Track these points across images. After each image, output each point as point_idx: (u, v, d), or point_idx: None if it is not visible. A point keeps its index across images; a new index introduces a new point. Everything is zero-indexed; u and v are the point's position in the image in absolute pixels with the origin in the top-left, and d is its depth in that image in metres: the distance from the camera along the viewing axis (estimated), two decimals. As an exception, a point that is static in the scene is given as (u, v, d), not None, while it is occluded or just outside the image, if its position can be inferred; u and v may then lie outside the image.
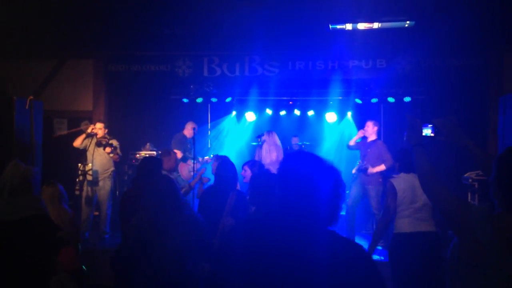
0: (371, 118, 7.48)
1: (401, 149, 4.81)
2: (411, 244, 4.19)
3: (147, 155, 8.04)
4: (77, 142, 7.32)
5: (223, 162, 4.76)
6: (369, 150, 7.14)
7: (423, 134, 2.39)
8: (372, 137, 7.29)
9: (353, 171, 7.38)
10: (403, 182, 4.33)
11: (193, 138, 7.36)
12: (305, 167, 1.71)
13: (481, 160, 2.50)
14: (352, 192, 7.37)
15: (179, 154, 7.70)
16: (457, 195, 2.17)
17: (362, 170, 7.13)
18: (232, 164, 4.77)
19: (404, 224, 4.24)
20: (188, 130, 8.22)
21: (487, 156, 2.49)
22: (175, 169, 6.27)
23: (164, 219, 3.22)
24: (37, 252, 2.99)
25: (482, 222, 2.05)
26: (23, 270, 2.93)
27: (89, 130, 7.37)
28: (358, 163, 7.29)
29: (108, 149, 7.37)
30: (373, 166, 7.01)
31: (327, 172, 1.72)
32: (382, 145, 7.21)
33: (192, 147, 7.55)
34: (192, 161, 7.48)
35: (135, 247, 3.24)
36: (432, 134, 2.41)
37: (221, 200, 4.28)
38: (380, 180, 7.02)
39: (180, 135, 8.28)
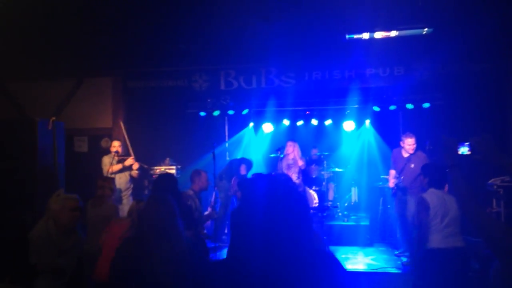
0: (407, 132, 7.23)
1: (429, 164, 4.79)
2: (442, 260, 4.18)
3: (162, 173, 8.09)
4: (115, 169, 7.37)
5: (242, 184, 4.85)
6: (412, 165, 6.84)
7: (460, 152, 2.36)
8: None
9: (391, 184, 7.20)
10: (434, 197, 4.32)
11: (213, 153, 7.36)
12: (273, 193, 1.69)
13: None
14: (395, 206, 7.28)
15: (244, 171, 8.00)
16: (497, 218, 2.14)
17: (401, 189, 6.94)
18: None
19: (436, 239, 4.22)
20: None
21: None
22: (206, 188, 6.24)
23: (151, 243, 3.19)
24: None
25: None
26: None
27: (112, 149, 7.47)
28: (397, 178, 7.08)
29: (136, 165, 7.47)
30: (413, 181, 6.69)
31: (287, 191, 1.72)
32: (424, 158, 6.84)
33: None
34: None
35: (123, 262, 3.24)
36: (469, 152, 2.37)
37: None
38: None
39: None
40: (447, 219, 4.23)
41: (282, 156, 8.50)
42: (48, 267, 3.60)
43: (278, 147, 8.48)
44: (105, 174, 7.31)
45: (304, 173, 8.71)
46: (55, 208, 3.71)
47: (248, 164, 8.25)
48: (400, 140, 7.26)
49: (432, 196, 4.33)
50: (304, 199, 1.74)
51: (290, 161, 8.45)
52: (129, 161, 7.47)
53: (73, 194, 3.96)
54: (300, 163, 8.42)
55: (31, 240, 3.56)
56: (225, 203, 8.10)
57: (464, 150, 2.35)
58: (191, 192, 5.74)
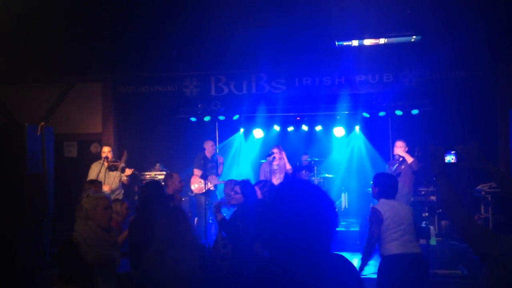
0: (399, 138, 7.58)
1: (379, 174, 4.81)
2: (400, 266, 4.21)
3: (147, 181, 8.09)
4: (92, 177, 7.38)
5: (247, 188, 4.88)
6: (402, 166, 7.13)
7: (446, 160, 2.39)
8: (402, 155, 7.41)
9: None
10: (386, 207, 4.35)
11: (203, 158, 7.38)
12: (301, 198, 1.74)
13: (503, 184, 2.50)
14: None
15: (198, 173, 7.90)
16: (484, 225, 2.18)
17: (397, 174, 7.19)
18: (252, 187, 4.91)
19: (393, 247, 4.25)
20: (208, 149, 8.43)
21: (509, 181, 2.49)
22: (181, 190, 6.27)
23: (173, 254, 3.28)
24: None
25: (510, 251, 2.04)
26: None
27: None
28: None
29: (128, 171, 7.43)
30: (407, 182, 7.09)
31: (321, 197, 1.77)
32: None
33: (214, 166, 7.95)
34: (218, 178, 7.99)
35: (147, 278, 3.34)
36: (455, 161, 2.42)
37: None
38: (412, 199, 7.14)
39: (201, 155, 8.44)
40: (402, 227, 4.27)
41: (265, 161, 8.56)
42: (106, 259, 3.75)
43: (269, 153, 8.51)
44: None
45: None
46: (89, 207, 3.83)
47: (198, 166, 8.24)
48: (390, 147, 7.42)
49: (384, 207, 4.35)
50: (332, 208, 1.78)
51: (275, 167, 8.47)
52: (122, 164, 7.49)
53: (101, 193, 4.12)
54: (288, 167, 8.47)
55: (80, 241, 3.67)
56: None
57: (450, 158, 2.40)
58: None
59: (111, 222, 4.05)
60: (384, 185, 4.47)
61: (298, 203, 1.72)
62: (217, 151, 8.85)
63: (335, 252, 1.82)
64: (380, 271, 4.39)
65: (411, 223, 4.36)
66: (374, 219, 4.34)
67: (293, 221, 1.69)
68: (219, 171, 8.46)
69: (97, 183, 6.17)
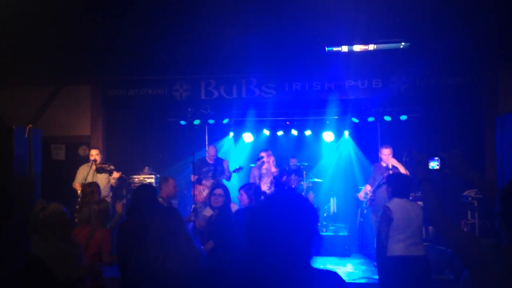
0: (384, 143, 7.74)
1: (393, 174, 4.91)
2: (403, 267, 4.29)
3: (140, 184, 8.03)
4: (77, 187, 7.33)
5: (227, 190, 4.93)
6: (390, 171, 7.24)
7: (430, 167, 2.43)
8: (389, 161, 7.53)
9: (360, 197, 7.62)
10: (397, 207, 4.40)
11: (193, 162, 7.36)
12: (281, 210, 1.73)
13: (486, 192, 2.54)
14: (371, 218, 7.55)
15: (193, 179, 7.97)
16: (467, 231, 2.21)
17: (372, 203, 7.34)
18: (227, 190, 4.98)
19: (398, 248, 4.32)
20: (208, 155, 8.61)
21: (491, 188, 2.53)
22: (174, 196, 6.24)
23: (165, 254, 3.25)
24: None
25: (491, 255, 2.08)
26: None
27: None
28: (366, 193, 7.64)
29: (116, 174, 7.38)
30: None
31: (302, 211, 1.75)
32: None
33: (209, 170, 8.04)
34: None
35: (137, 279, 3.31)
36: (438, 167, 2.45)
37: None
38: None
39: (200, 160, 8.45)
40: (409, 229, 4.33)
41: (254, 165, 8.58)
42: (86, 272, 3.66)
43: (258, 157, 8.53)
44: (78, 183, 7.28)
45: (282, 183, 8.76)
46: (46, 223, 3.56)
47: (193, 172, 8.17)
48: (378, 151, 7.50)
49: (395, 206, 4.41)
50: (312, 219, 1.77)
51: (264, 171, 8.49)
52: (111, 166, 7.46)
53: (58, 205, 3.78)
54: (273, 169, 8.52)
55: (44, 258, 3.40)
56: None
57: (433, 164, 2.43)
58: (160, 200, 5.64)
59: (73, 235, 3.83)
60: (397, 184, 4.53)
61: (280, 216, 1.71)
62: (217, 155, 8.87)
63: (324, 268, 1.83)
64: (381, 270, 4.46)
65: (419, 226, 4.42)
66: (384, 218, 4.41)
67: (271, 232, 1.68)
68: (227, 176, 8.41)
69: (96, 186, 6.04)
